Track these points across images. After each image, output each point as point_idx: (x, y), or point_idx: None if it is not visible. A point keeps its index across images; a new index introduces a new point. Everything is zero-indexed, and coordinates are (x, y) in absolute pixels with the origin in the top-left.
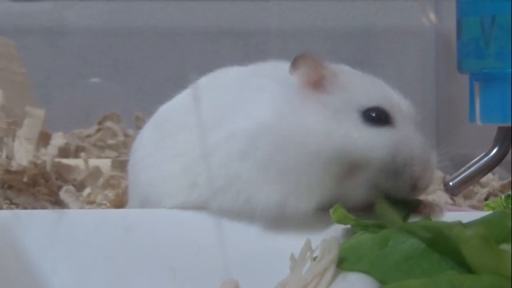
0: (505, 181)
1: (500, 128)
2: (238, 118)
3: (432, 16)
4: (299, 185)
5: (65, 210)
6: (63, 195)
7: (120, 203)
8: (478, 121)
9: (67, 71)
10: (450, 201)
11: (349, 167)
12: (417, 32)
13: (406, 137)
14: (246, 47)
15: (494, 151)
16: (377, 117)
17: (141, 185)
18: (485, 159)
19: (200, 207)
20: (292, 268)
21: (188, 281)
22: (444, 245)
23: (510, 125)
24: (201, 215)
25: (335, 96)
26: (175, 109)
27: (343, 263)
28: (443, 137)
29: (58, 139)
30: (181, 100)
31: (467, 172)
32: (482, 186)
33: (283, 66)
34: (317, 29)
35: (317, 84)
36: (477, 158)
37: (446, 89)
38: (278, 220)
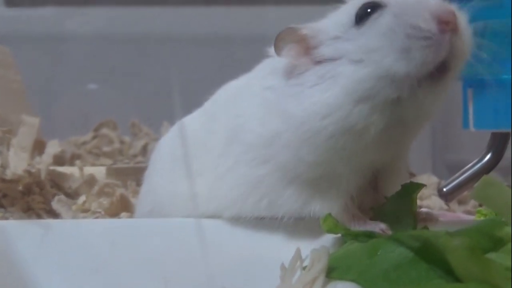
0: None
1: (493, 134)
2: (252, 127)
3: None
4: (322, 185)
5: (56, 220)
6: (55, 205)
7: (114, 211)
8: (472, 128)
9: (64, 78)
10: (445, 207)
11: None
12: None
13: (402, 4)
14: (243, 54)
15: (488, 157)
16: (365, 11)
17: (158, 196)
18: (479, 165)
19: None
20: (282, 278)
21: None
22: (432, 254)
23: (503, 131)
24: (191, 223)
25: (327, 45)
26: (194, 127)
27: (332, 272)
28: (438, 143)
29: (53, 147)
30: (198, 117)
31: (461, 178)
32: None
33: (275, 61)
34: None
35: (308, 49)
36: (471, 164)
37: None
38: (272, 228)
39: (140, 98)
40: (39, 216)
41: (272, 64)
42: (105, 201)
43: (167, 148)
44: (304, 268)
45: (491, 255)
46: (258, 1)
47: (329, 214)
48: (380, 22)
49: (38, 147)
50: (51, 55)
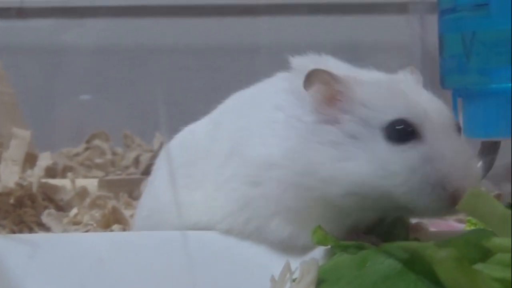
0: (492, 195)
1: (483, 143)
2: (254, 144)
3: (418, 31)
4: (310, 223)
5: (41, 234)
6: (45, 218)
7: (106, 223)
8: (462, 136)
9: (57, 89)
10: None
11: (373, 199)
12: (403, 47)
13: (439, 151)
14: (237, 64)
15: (478, 165)
16: (403, 131)
17: (157, 201)
18: None
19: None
20: None
21: None
22: (420, 266)
23: (493, 139)
24: (178, 236)
25: (352, 114)
26: (200, 135)
27: (322, 284)
28: None
29: (45, 159)
30: (204, 125)
31: None
32: None
33: (293, 81)
34: (304, 44)
35: (332, 100)
36: None
37: None
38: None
39: (133, 109)
40: (30, 229)
41: (287, 81)
42: (97, 214)
43: (175, 151)
44: (294, 280)
45: (479, 266)
46: (251, 12)
47: (319, 226)
48: (412, 155)
49: (30, 159)
50: (44, 66)
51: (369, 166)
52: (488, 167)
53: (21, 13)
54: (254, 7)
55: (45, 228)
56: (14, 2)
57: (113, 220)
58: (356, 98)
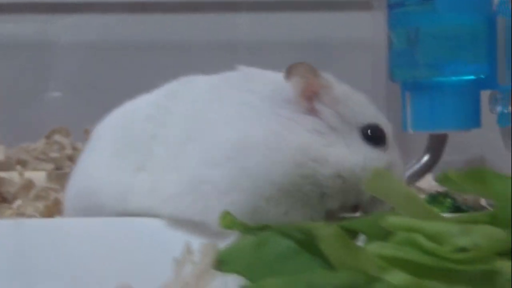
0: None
1: (431, 136)
2: (223, 129)
3: (383, 28)
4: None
5: None
6: None
7: (50, 214)
8: (410, 129)
9: (20, 85)
10: None
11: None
12: (368, 44)
13: (393, 160)
14: (211, 60)
15: (426, 158)
16: (378, 136)
17: (91, 179)
18: (417, 166)
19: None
20: (174, 271)
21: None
22: (315, 246)
23: (440, 132)
24: (99, 222)
25: (332, 109)
26: (140, 117)
27: (222, 266)
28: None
29: None
30: (145, 108)
31: None
32: (423, 191)
33: (260, 76)
34: (270, 41)
35: (312, 94)
36: (409, 165)
37: (397, 101)
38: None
39: (95, 104)
40: None
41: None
42: (40, 205)
43: (112, 131)
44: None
45: (374, 244)
46: (230, 8)
47: (228, 211)
48: (384, 157)
49: None
50: (6, 62)
51: (354, 156)
52: (434, 160)
53: None
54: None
55: None
56: None
57: (55, 211)
58: (335, 95)
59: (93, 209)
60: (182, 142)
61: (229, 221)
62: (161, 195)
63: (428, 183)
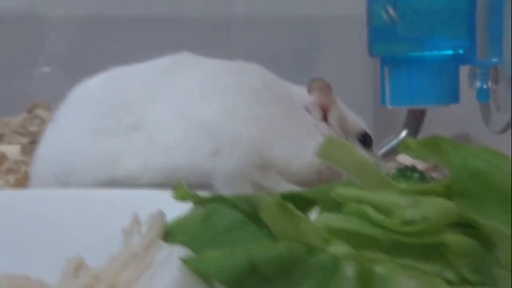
0: (429, 165)
1: (409, 111)
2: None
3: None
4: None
5: None
6: None
7: (20, 187)
8: (388, 105)
9: (9, 59)
10: None
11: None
12: (357, 20)
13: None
14: (203, 35)
15: (403, 133)
16: (369, 140)
17: (68, 143)
18: (394, 141)
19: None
20: (123, 242)
21: (40, 260)
22: (260, 216)
23: (418, 107)
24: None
25: (338, 120)
26: (133, 82)
27: (169, 237)
28: (381, 120)
29: None
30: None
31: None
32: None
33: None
34: (258, 17)
35: (326, 106)
36: (387, 140)
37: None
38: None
39: (78, 80)
40: None
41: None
42: (11, 178)
43: (94, 95)
44: None
45: (324, 215)
46: None
47: (180, 182)
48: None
49: None
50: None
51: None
52: (412, 135)
53: None
54: None
55: None
56: None
57: (26, 184)
58: (339, 108)
59: (73, 178)
60: (189, 100)
61: (182, 193)
62: (160, 145)
63: (407, 158)
